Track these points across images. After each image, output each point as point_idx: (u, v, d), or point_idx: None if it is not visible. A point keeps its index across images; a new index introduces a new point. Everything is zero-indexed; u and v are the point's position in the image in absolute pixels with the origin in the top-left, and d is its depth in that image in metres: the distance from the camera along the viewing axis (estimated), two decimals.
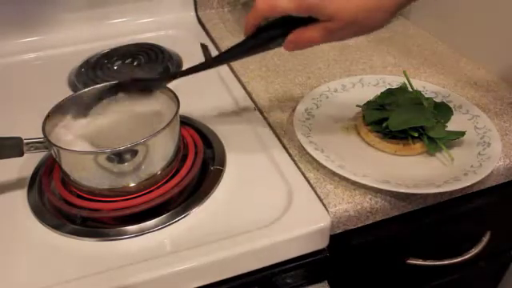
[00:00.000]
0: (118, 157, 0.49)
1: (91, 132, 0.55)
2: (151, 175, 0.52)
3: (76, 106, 0.57)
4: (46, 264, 0.47)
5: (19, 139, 0.52)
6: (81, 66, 0.82)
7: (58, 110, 0.55)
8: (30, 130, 0.52)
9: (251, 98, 0.72)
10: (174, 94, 0.56)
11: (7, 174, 0.58)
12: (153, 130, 0.50)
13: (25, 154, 0.53)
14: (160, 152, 0.53)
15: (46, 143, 0.51)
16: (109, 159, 0.49)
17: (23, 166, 0.59)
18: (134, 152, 0.50)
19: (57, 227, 0.51)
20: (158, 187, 0.53)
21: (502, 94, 0.70)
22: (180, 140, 0.57)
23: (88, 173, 0.51)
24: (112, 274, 0.45)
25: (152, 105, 0.58)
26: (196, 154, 0.58)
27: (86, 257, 0.48)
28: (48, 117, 0.53)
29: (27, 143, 0.52)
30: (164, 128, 0.51)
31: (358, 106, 0.65)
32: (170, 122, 0.52)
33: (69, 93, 0.68)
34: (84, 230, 0.51)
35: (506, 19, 0.71)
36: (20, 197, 0.55)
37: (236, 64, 0.81)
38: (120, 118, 0.57)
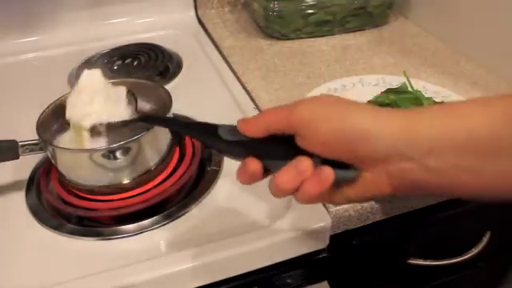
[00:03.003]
0: (113, 154, 0.49)
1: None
2: (146, 170, 0.53)
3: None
4: (45, 264, 0.47)
5: (14, 142, 0.52)
6: (81, 66, 0.82)
7: (53, 110, 0.55)
8: (30, 131, 0.52)
9: (251, 98, 0.72)
10: (167, 91, 0.56)
11: (5, 176, 0.58)
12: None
13: (21, 157, 0.53)
14: (154, 147, 0.53)
15: (41, 144, 0.51)
16: (104, 156, 0.49)
17: (22, 167, 0.59)
18: (128, 148, 0.50)
19: (55, 227, 0.51)
20: (154, 186, 0.53)
21: (502, 93, 0.70)
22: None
23: (84, 171, 0.51)
24: (111, 274, 0.45)
25: (147, 103, 0.59)
26: (193, 154, 0.58)
27: (85, 256, 0.48)
28: (42, 117, 0.53)
29: (22, 145, 0.52)
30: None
31: None
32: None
33: None
34: (82, 229, 0.51)
35: (505, 19, 0.71)
36: (18, 198, 0.55)
37: (236, 64, 0.81)
38: None
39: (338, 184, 0.35)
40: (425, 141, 0.32)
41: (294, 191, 0.36)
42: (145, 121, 0.50)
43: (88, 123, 0.49)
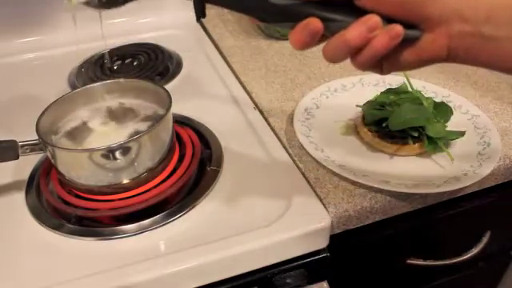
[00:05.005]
0: (113, 154, 0.49)
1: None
2: (146, 170, 0.53)
3: (71, 104, 0.58)
4: (45, 264, 0.47)
5: (14, 142, 0.52)
6: (81, 66, 0.82)
7: (53, 110, 0.55)
8: (30, 131, 0.52)
9: (251, 98, 0.72)
10: (167, 91, 0.56)
11: (5, 176, 0.58)
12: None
13: (21, 157, 0.52)
14: (154, 147, 0.53)
15: (41, 144, 0.51)
16: (104, 156, 0.49)
17: (22, 167, 0.59)
18: (128, 148, 0.50)
19: (55, 227, 0.51)
20: (154, 186, 0.53)
21: (502, 93, 0.70)
22: (174, 134, 0.57)
23: (84, 171, 0.51)
24: (111, 274, 0.45)
25: (147, 106, 0.59)
26: (193, 154, 0.58)
27: (85, 256, 0.48)
28: (41, 118, 0.53)
29: (22, 145, 0.52)
30: (157, 124, 0.51)
31: (357, 105, 0.65)
32: (163, 117, 0.52)
33: None
34: (82, 229, 0.51)
35: None
36: (18, 198, 0.55)
37: (236, 64, 0.81)
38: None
39: (402, 44, 0.36)
40: (484, 7, 0.34)
41: (357, 52, 0.36)
42: None
43: None
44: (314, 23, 0.36)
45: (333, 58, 0.38)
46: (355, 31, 0.35)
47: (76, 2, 0.46)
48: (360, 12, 0.35)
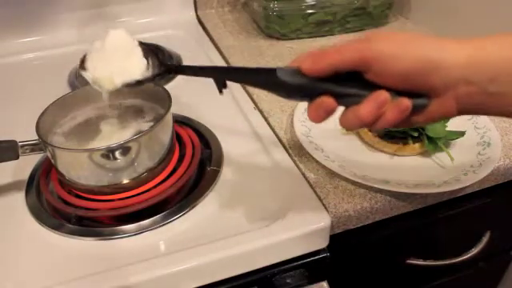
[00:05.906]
0: (113, 153, 0.50)
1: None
2: (146, 170, 0.53)
3: (71, 104, 0.58)
4: (45, 264, 0.47)
5: (14, 142, 0.52)
6: (81, 66, 0.82)
7: (53, 110, 0.55)
8: (30, 131, 0.52)
9: (251, 98, 0.72)
10: (167, 91, 0.56)
11: (5, 176, 0.58)
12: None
13: (21, 157, 0.52)
14: (154, 147, 0.53)
15: (41, 144, 0.51)
16: (104, 156, 0.49)
17: (22, 167, 0.59)
18: (128, 148, 0.50)
19: (55, 227, 0.51)
20: (154, 186, 0.53)
21: None
22: (174, 134, 0.57)
23: (84, 171, 0.51)
24: (111, 274, 0.45)
25: (147, 106, 0.59)
26: (193, 154, 0.58)
27: (85, 256, 0.48)
28: (41, 118, 0.53)
29: (22, 145, 0.52)
30: (157, 124, 0.51)
31: None
32: (163, 117, 0.52)
33: None
34: (82, 229, 0.51)
35: (505, 19, 0.71)
36: (18, 198, 0.55)
37: (236, 64, 0.81)
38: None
39: (411, 111, 0.38)
40: (488, 69, 0.35)
41: (371, 123, 0.38)
42: (179, 71, 0.49)
43: (120, 81, 0.48)
44: (328, 102, 0.38)
45: (349, 128, 0.40)
46: (367, 108, 0.37)
47: (110, 90, 0.48)
48: (370, 85, 0.37)
